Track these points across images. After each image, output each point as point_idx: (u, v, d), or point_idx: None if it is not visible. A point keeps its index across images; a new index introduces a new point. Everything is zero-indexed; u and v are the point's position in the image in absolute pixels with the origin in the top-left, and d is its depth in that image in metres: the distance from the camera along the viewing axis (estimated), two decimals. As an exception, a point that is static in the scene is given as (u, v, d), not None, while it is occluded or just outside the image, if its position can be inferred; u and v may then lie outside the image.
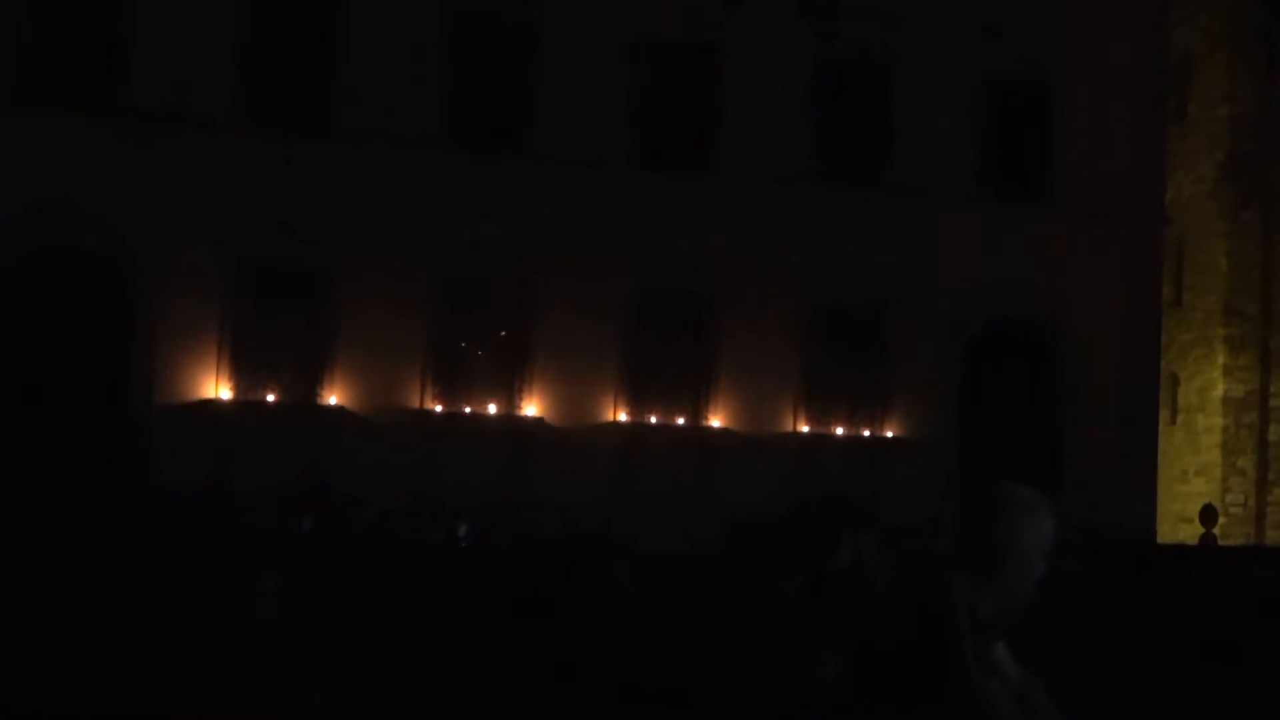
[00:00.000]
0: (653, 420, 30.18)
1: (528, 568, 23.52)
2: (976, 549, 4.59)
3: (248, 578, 20.76)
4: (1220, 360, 43.37)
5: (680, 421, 30.35)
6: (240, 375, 28.71)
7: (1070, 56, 32.04)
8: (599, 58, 30.06)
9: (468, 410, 29.49)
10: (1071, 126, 32.17)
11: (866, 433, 31.00)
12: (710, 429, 30.37)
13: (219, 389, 28.46)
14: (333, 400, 28.92)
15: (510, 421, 29.53)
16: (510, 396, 29.72)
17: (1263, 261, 43.30)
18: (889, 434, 31.00)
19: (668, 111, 30.50)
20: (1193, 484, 42.64)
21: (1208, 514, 32.83)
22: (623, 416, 29.98)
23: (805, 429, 30.71)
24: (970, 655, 4.45)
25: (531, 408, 29.64)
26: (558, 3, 30.07)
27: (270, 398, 28.75)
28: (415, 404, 29.26)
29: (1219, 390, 43.42)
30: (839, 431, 30.90)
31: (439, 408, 29.39)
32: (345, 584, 22.00)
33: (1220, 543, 33.53)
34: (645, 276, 30.14)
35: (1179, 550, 30.76)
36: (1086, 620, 20.68)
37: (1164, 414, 37.69)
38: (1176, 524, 38.22)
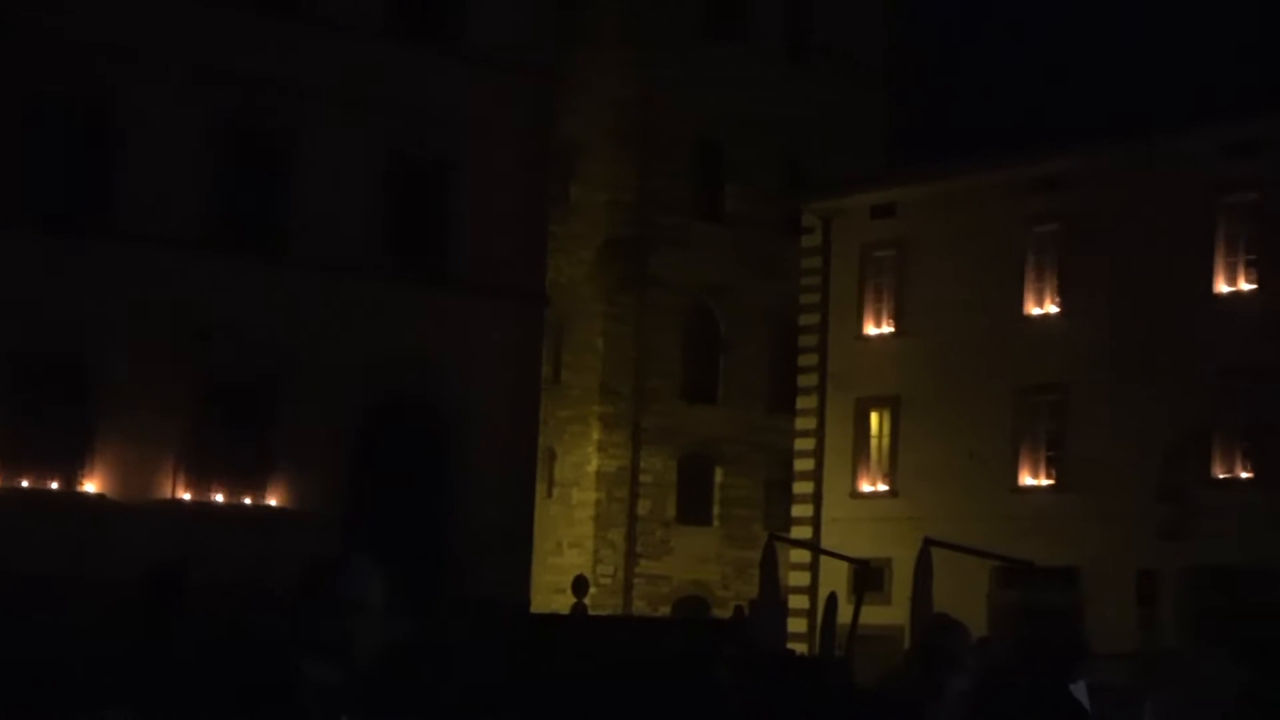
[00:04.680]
0: (25, 485, 28.98)
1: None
2: (308, 616, 4.66)
3: None
4: (595, 437, 45.14)
5: (54, 486, 29.27)
6: None
7: (467, 137, 32.83)
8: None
9: None
10: (466, 205, 32.95)
11: (249, 501, 30.68)
12: (86, 494, 29.42)
13: None
14: None
15: None
16: None
17: (636, 343, 45.43)
18: (276, 504, 30.78)
19: (57, 171, 29.62)
20: (567, 555, 44.12)
21: (579, 585, 34.02)
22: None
23: (188, 496, 30.15)
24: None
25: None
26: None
27: None
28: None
29: (593, 465, 45.16)
30: (221, 500, 30.48)
31: None
32: None
33: (591, 613, 34.78)
34: (18, 335, 28.91)
35: (551, 620, 31.68)
36: (461, 689, 21.03)
37: (541, 488, 38.87)
38: (551, 594, 39.37)
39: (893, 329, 38.88)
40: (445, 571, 29.40)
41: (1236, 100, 34.00)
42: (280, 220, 31.39)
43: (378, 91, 31.90)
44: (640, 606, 44.29)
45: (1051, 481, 35.69)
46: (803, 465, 40.18)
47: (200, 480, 30.39)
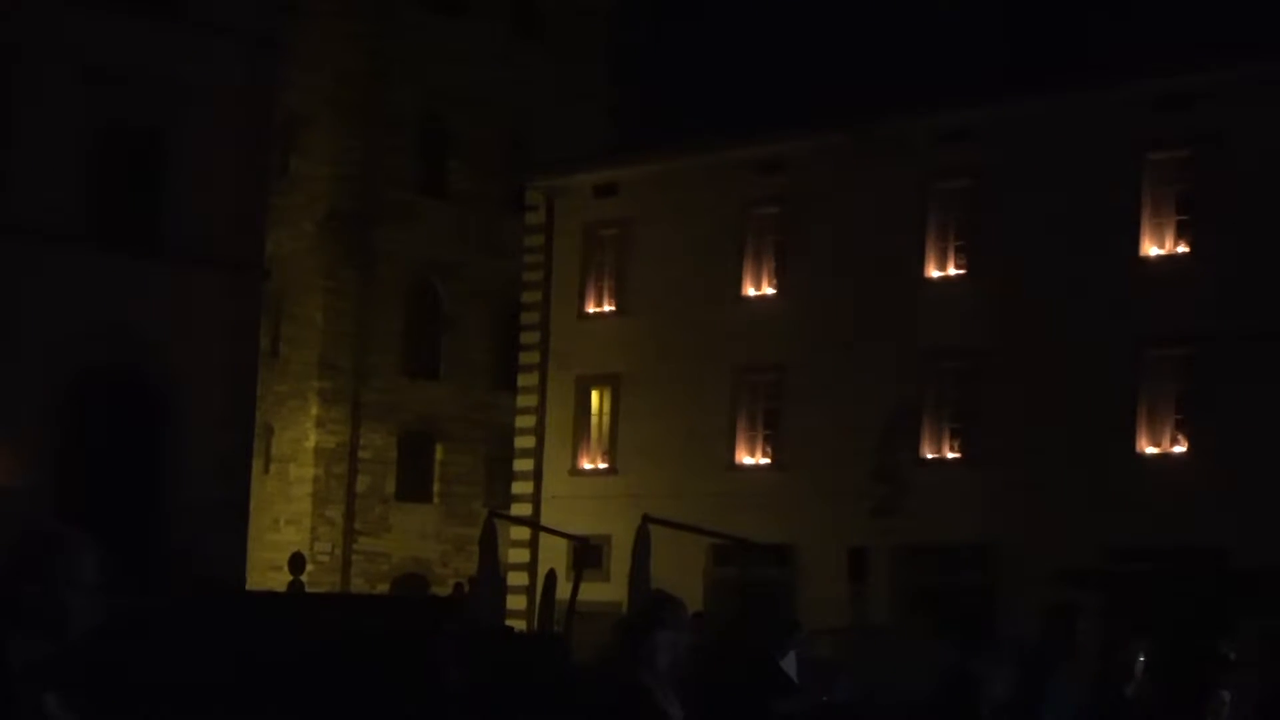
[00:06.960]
0: None
1: None
2: (17, 592, 4.51)
3: None
4: (314, 412, 44.67)
5: None
6: None
7: (183, 104, 32.09)
8: None
9: None
10: (186, 175, 32.21)
11: (-48, 477, 29.67)
12: None
13: None
14: None
15: None
16: None
17: (357, 319, 45.05)
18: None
19: None
20: (284, 532, 43.60)
21: (296, 562, 33.66)
22: None
23: (-117, 472, 29.04)
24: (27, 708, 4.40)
25: None
26: None
27: None
28: None
29: (312, 441, 44.69)
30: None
31: None
32: None
33: (308, 590, 34.41)
34: None
35: (267, 598, 31.25)
36: (171, 666, 20.64)
37: (258, 463, 38.31)
38: (267, 571, 38.89)
39: (614, 308, 39.13)
40: (158, 548, 28.79)
41: (951, 88, 34.92)
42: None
43: (90, 56, 30.97)
44: (359, 584, 43.99)
45: (768, 460, 36.30)
46: (523, 443, 40.24)
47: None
